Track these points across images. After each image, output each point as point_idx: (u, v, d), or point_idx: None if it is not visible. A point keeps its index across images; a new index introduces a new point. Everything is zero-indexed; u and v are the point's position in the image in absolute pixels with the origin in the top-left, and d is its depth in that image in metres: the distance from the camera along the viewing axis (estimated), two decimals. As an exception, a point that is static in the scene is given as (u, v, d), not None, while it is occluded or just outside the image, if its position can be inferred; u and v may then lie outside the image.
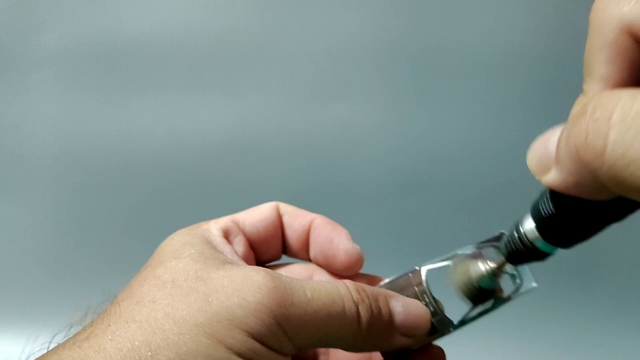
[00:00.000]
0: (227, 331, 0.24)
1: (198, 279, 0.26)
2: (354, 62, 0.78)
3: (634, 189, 0.17)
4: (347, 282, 0.28)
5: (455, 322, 0.30)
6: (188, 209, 0.77)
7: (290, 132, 0.78)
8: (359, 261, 0.32)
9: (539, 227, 0.24)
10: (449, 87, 0.77)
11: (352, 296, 0.27)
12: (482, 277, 0.28)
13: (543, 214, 0.23)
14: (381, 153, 0.78)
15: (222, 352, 0.23)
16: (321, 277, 0.33)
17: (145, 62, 0.78)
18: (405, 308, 0.29)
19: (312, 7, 0.77)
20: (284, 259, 0.35)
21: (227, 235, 0.31)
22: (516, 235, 0.25)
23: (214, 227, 0.31)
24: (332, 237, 0.32)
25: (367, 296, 0.28)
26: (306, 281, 0.27)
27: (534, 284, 0.29)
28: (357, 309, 0.27)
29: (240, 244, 0.32)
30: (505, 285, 0.30)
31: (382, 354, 0.31)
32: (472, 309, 0.29)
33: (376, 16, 0.77)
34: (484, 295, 0.29)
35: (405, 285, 0.30)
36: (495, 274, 0.28)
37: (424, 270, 0.30)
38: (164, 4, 0.78)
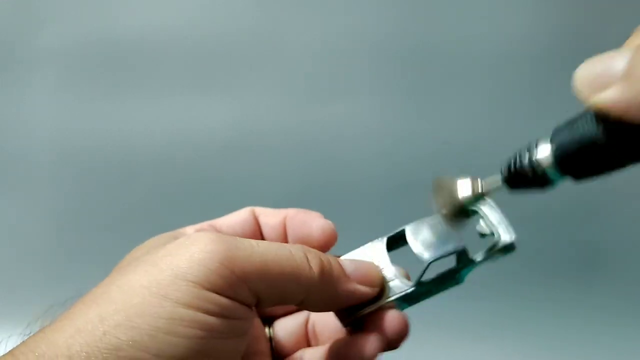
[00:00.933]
0: (174, 286, 0.24)
1: (148, 254, 0.26)
2: (354, 61, 0.78)
3: None
4: (300, 245, 0.29)
5: (414, 282, 0.29)
6: (188, 207, 0.77)
7: (289, 131, 0.78)
8: (332, 235, 0.32)
9: (558, 152, 0.23)
10: (448, 87, 0.77)
11: (300, 247, 0.28)
12: (469, 199, 0.27)
13: (571, 136, 0.22)
14: (381, 152, 0.78)
15: (168, 306, 0.24)
16: None
17: (145, 62, 0.78)
18: (353, 262, 0.30)
19: (311, 7, 0.77)
20: None
21: None
22: (526, 157, 0.24)
23: (190, 229, 0.32)
24: (304, 219, 0.33)
25: (314, 250, 0.28)
26: (258, 240, 0.27)
27: (512, 238, 0.27)
28: (306, 256, 0.27)
29: None
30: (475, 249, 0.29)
31: (340, 319, 0.31)
32: (427, 267, 0.28)
33: (375, 16, 0.77)
34: (462, 215, 0.27)
35: (363, 253, 0.31)
36: (482, 196, 0.27)
37: (384, 238, 0.31)
38: (164, 3, 0.78)
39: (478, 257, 0.29)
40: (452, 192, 0.27)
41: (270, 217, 0.34)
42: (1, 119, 0.80)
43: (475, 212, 0.28)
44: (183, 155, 0.79)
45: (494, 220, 0.28)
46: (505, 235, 0.28)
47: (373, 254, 0.31)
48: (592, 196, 0.75)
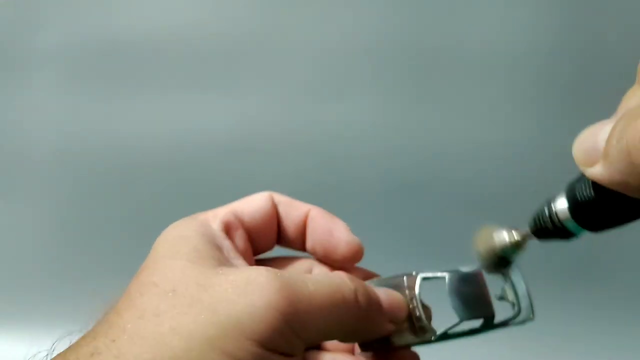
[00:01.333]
0: (236, 343, 0.23)
1: (199, 287, 0.25)
2: (354, 61, 0.78)
3: None
4: (341, 273, 0.28)
5: (439, 332, 0.30)
6: (188, 208, 0.77)
7: (289, 131, 0.78)
8: (359, 252, 0.32)
9: (572, 208, 0.24)
10: (449, 86, 0.77)
11: (348, 283, 0.27)
12: (504, 245, 0.28)
13: (579, 198, 0.24)
14: (381, 152, 0.78)
15: None
16: (321, 270, 0.33)
17: (145, 62, 0.78)
18: (387, 295, 0.30)
19: (311, 7, 0.77)
20: (281, 251, 0.35)
21: (227, 229, 0.31)
22: (547, 212, 0.25)
23: (214, 220, 0.31)
24: (331, 229, 0.32)
25: (359, 283, 0.28)
26: (305, 275, 0.27)
27: (532, 316, 0.30)
28: (356, 295, 0.27)
29: (241, 239, 0.31)
30: (502, 313, 0.30)
31: (362, 349, 0.31)
32: (458, 324, 0.30)
33: (376, 15, 0.77)
34: (501, 264, 0.29)
35: (397, 286, 0.31)
36: (517, 244, 0.28)
37: (419, 277, 0.31)
38: (165, 3, 0.78)
39: (499, 322, 0.31)
40: (491, 240, 0.29)
41: (291, 210, 0.33)
42: (1, 119, 0.80)
43: (511, 263, 0.30)
44: (183, 155, 0.79)
45: (519, 291, 0.31)
46: (529, 312, 0.30)
47: (406, 287, 0.31)
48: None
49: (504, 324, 0.30)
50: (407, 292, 0.31)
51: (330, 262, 0.33)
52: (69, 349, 0.24)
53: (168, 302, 0.24)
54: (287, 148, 0.77)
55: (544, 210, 0.26)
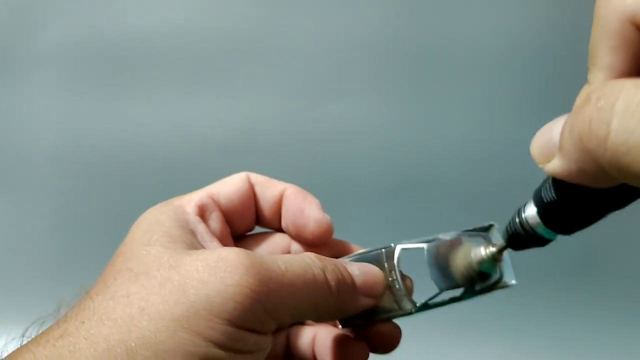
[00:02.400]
0: (206, 322, 0.23)
1: (171, 268, 0.25)
2: (353, 61, 0.78)
3: (635, 175, 0.17)
4: (310, 253, 0.28)
5: (419, 303, 0.30)
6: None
7: (289, 131, 0.78)
8: (328, 231, 0.32)
9: (540, 213, 0.24)
10: (448, 86, 0.77)
11: (318, 264, 0.27)
12: (482, 261, 0.28)
13: (545, 200, 0.24)
14: (380, 151, 0.78)
15: (202, 346, 0.23)
16: (296, 248, 0.33)
17: (145, 62, 0.78)
18: (361, 270, 0.29)
19: (311, 7, 0.77)
20: (261, 230, 0.35)
21: (202, 212, 0.31)
22: (517, 220, 0.25)
23: (189, 204, 0.31)
24: (302, 207, 0.32)
25: (330, 263, 0.28)
26: (276, 255, 0.27)
27: (514, 281, 0.29)
28: (324, 274, 0.27)
29: (216, 221, 0.31)
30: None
31: (342, 324, 0.31)
32: (438, 294, 0.29)
33: (375, 15, 0.77)
34: (482, 279, 0.29)
35: (376, 260, 0.31)
36: (495, 258, 0.28)
37: (398, 248, 0.31)
38: (164, 3, 0.78)
39: (478, 288, 0.30)
40: (468, 258, 0.29)
41: (267, 190, 0.33)
42: (1, 119, 0.80)
43: (491, 275, 0.29)
44: (183, 154, 0.79)
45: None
46: (510, 278, 0.30)
47: (385, 259, 0.31)
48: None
49: (486, 289, 0.30)
50: (385, 264, 0.30)
51: (302, 240, 0.33)
52: (42, 332, 0.25)
53: (139, 283, 0.25)
54: (286, 147, 0.77)
55: (515, 219, 0.26)
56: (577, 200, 0.22)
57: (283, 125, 0.78)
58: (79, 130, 0.80)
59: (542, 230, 0.24)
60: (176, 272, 0.25)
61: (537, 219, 0.24)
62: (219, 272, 0.24)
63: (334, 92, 0.78)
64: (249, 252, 0.26)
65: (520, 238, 0.26)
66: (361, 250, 0.32)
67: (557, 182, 0.23)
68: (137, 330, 0.23)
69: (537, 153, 0.21)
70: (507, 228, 0.26)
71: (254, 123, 0.78)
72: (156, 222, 0.28)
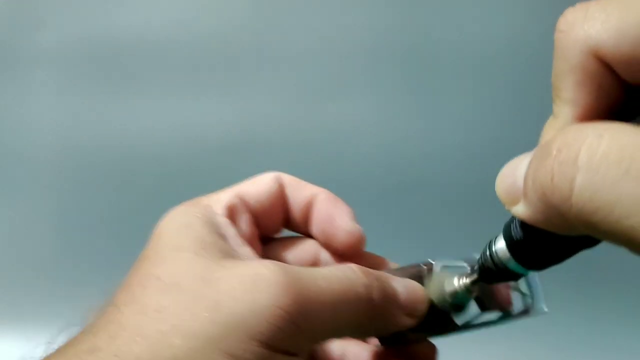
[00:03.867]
0: (240, 344, 0.22)
1: (204, 282, 0.24)
2: (353, 61, 0.78)
3: (604, 232, 0.16)
4: (353, 265, 0.27)
5: (460, 324, 0.29)
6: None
7: (288, 130, 0.78)
8: (360, 241, 0.30)
9: (510, 249, 0.23)
10: (447, 86, 0.77)
11: (362, 279, 0.26)
12: (454, 293, 0.28)
13: (514, 237, 0.23)
14: (379, 151, 0.78)
15: None
16: (326, 256, 0.32)
17: (145, 62, 0.78)
18: (405, 287, 0.28)
19: (310, 7, 0.77)
20: (288, 233, 0.34)
21: (232, 214, 0.29)
22: (488, 253, 0.24)
23: (217, 205, 0.29)
24: (333, 215, 0.31)
25: (375, 278, 0.26)
26: (315, 269, 0.26)
27: (545, 309, 0.29)
28: (369, 291, 0.26)
29: (246, 223, 0.30)
30: (519, 302, 0.30)
31: (382, 343, 0.30)
32: (478, 316, 0.29)
33: (375, 15, 0.77)
34: (456, 309, 0.28)
35: (415, 276, 0.29)
36: (468, 290, 0.28)
37: (438, 265, 0.29)
38: (164, 3, 0.78)
39: (514, 313, 0.30)
40: (441, 289, 0.28)
41: (297, 192, 0.32)
42: (1, 119, 0.80)
43: (467, 303, 0.29)
44: (183, 154, 0.79)
45: (532, 283, 0.29)
46: (542, 304, 0.29)
47: (424, 278, 0.30)
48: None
49: (521, 315, 0.29)
50: (425, 282, 0.29)
51: (331, 249, 0.31)
52: (68, 344, 0.24)
53: (171, 297, 0.24)
54: (286, 147, 0.77)
55: (486, 252, 0.25)
56: (546, 241, 0.21)
57: (283, 125, 0.78)
58: (78, 129, 0.80)
59: (513, 265, 0.24)
60: (209, 287, 0.24)
61: (508, 254, 0.23)
62: (255, 292, 0.23)
63: (333, 92, 0.78)
64: (286, 267, 0.24)
65: (491, 272, 0.25)
66: (396, 267, 0.31)
67: (525, 223, 0.22)
68: (169, 349, 0.22)
69: (503, 194, 0.20)
70: (478, 261, 0.26)
71: (254, 123, 0.78)
72: (186, 224, 0.27)
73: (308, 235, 0.32)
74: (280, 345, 0.23)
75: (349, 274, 0.26)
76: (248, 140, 0.78)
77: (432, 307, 0.29)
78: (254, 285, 0.23)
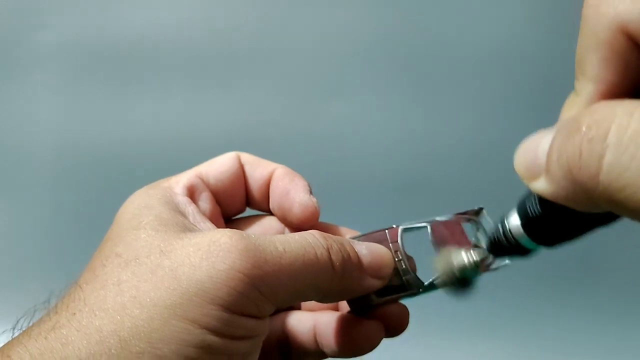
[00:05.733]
0: (200, 309, 0.22)
1: (162, 254, 0.24)
2: (353, 60, 0.78)
3: (630, 210, 0.16)
4: (313, 231, 0.27)
5: (426, 283, 0.30)
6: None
7: (288, 130, 0.78)
8: (314, 214, 0.31)
9: (524, 224, 0.23)
10: (448, 86, 0.77)
11: (321, 243, 0.26)
12: (464, 268, 0.28)
13: (530, 213, 0.23)
14: (379, 151, 0.78)
15: (197, 333, 0.22)
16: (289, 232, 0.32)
17: (145, 61, 0.78)
18: (369, 250, 0.29)
19: (311, 7, 0.77)
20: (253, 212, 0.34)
21: (192, 192, 0.30)
22: (501, 229, 0.25)
23: (177, 185, 0.30)
24: (288, 189, 0.31)
25: (335, 241, 0.27)
26: (274, 235, 0.26)
27: (507, 261, 0.29)
28: (329, 253, 0.26)
29: (206, 201, 0.30)
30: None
31: (350, 306, 0.31)
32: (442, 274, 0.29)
33: (375, 15, 0.77)
34: (464, 284, 0.29)
35: (380, 240, 0.30)
36: (477, 265, 0.28)
37: (400, 228, 0.30)
38: (164, 3, 0.78)
39: (480, 268, 0.30)
40: (450, 263, 0.29)
41: (255, 170, 0.32)
42: (1, 119, 0.80)
43: (472, 282, 0.29)
44: (182, 154, 0.79)
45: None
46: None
47: (389, 240, 0.31)
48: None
49: (486, 268, 0.29)
50: (390, 245, 0.30)
51: (288, 223, 0.32)
52: (33, 325, 0.24)
53: (130, 271, 0.24)
54: (285, 147, 0.77)
55: (499, 228, 0.25)
56: (564, 218, 0.22)
57: (283, 125, 0.78)
58: (78, 129, 0.80)
59: (525, 241, 0.24)
60: (167, 257, 0.24)
61: (521, 230, 0.24)
62: (211, 257, 0.23)
63: (334, 92, 0.78)
64: (243, 233, 0.25)
65: (503, 247, 0.25)
66: (360, 234, 0.31)
67: (543, 199, 0.22)
68: (129, 319, 0.22)
69: (522, 170, 0.20)
70: (490, 236, 0.26)
71: (254, 122, 0.78)
72: (145, 205, 0.27)
73: (268, 212, 0.33)
74: (242, 308, 0.23)
75: (309, 238, 0.26)
76: (249, 139, 0.78)
77: (396, 270, 0.29)
78: (210, 252, 0.23)
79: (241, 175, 0.32)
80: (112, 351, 0.22)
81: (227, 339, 0.23)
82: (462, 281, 0.29)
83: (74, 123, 0.80)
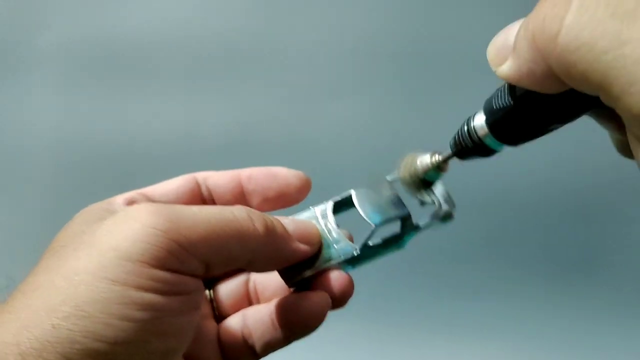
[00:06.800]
0: (122, 268, 0.23)
1: (83, 233, 0.25)
2: (352, 61, 0.78)
3: (580, 75, 0.17)
4: (239, 205, 0.28)
5: (360, 245, 0.30)
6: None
7: (287, 131, 0.78)
8: (309, 181, 0.32)
9: (489, 121, 0.24)
10: (447, 86, 0.77)
11: (241, 209, 0.27)
12: (427, 168, 0.29)
13: (494, 106, 0.23)
14: (379, 151, 0.78)
15: (118, 290, 0.23)
16: None
17: (145, 62, 0.78)
18: (292, 220, 0.30)
19: (310, 7, 0.77)
20: None
21: (130, 203, 0.30)
22: (465, 129, 0.25)
23: (118, 200, 0.31)
24: (273, 174, 0.32)
25: (259, 213, 0.28)
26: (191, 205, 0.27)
27: (453, 211, 0.30)
28: (249, 216, 0.27)
29: None
30: (421, 216, 0.31)
31: (285, 279, 0.31)
32: (374, 231, 0.30)
33: (374, 16, 0.77)
34: (424, 186, 0.30)
35: (309, 217, 0.31)
36: (439, 167, 0.29)
37: (329, 202, 0.31)
38: (164, 3, 0.78)
39: (420, 223, 0.31)
40: (414, 164, 0.29)
41: (219, 179, 0.33)
42: (1, 119, 0.80)
43: (432, 184, 0.30)
44: (182, 154, 0.79)
45: (438, 192, 0.31)
46: (446, 206, 0.30)
47: (319, 216, 0.32)
48: (590, 197, 0.75)
49: (429, 224, 0.30)
50: (320, 219, 0.31)
51: (284, 202, 0.32)
52: None
53: (57, 255, 0.25)
54: (285, 147, 0.77)
55: (463, 128, 0.26)
56: (527, 107, 0.22)
57: (283, 125, 0.78)
58: (78, 129, 0.80)
59: (489, 140, 0.24)
60: (88, 234, 0.25)
61: (485, 129, 0.24)
62: (127, 222, 0.24)
63: (333, 92, 0.78)
64: (158, 203, 0.26)
65: (467, 147, 0.26)
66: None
67: (510, 87, 0.23)
68: (57, 293, 0.23)
69: (493, 55, 0.21)
70: (454, 137, 0.27)
71: (254, 123, 0.78)
72: (90, 219, 0.28)
73: None
74: (163, 262, 0.24)
75: (230, 207, 0.27)
76: (248, 140, 0.78)
77: (327, 241, 0.30)
78: (125, 218, 0.24)
79: (196, 192, 0.32)
80: (38, 320, 0.22)
81: (153, 293, 0.23)
82: (424, 182, 0.29)
83: (74, 123, 0.80)
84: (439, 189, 0.30)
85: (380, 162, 0.82)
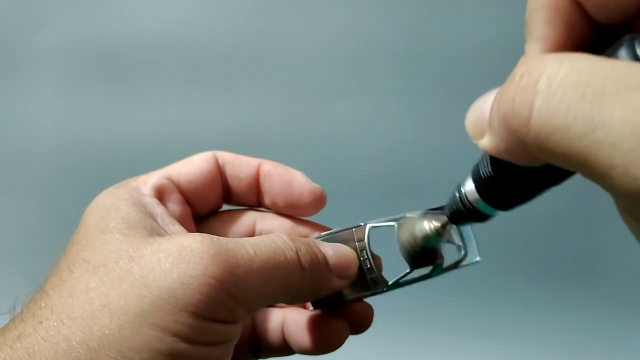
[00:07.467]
0: (171, 316, 0.22)
1: (131, 259, 0.24)
2: (353, 62, 0.78)
3: (559, 157, 0.16)
4: (281, 233, 0.27)
5: (390, 282, 0.30)
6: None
7: (288, 131, 0.78)
8: (323, 199, 0.31)
9: (478, 189, 0.24)
10: (447, 87, 0.77)
11: (290, 245, 0.26)
12: (426, 236, 0.28)
13: (482, 175, 0.23)
14: (378, 152, 0.78)
15: (169, 341, 0.22)
16: (266, 223, 0.32)
17: (145, 62, 0.78)
18: (334, 251, 0.29)
19: (311, 8, 0.77)
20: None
21: (160, 193, 0.29)
22: (457, 195, 0.25)
23: (145, 186, 0.29)
24: (289, 180, 0.31)
25: (302, 244, 0.27)
26: (244, 239, 0.26)
27: (478, 258, 0.29)
28: (298, 256, 0.26)
29: (175, 203, 0.30)
30: (451, 256, 0.30)
31: (314, 306, 0.31)
32: (409, 272, 0.29)
33: (374, 16, 0.77)
34: (427, 254, 0.29)
35: (347, 239, 0.31)
36: (439, 233, 0.28)
37: (367, 227, 0.30)
38: (164, 3, 0.78)
39: (448, 264, 0.30)
40: (413, 233, 0.29)
41: (239, 167, 0.32)
42: (1, 119, 0.80)
43: (436, 252, 0.29)
44: (182, 154, 0.79)
45: (465, 234, 0.30)
46: (474, 255, 0.30)
47: (356, 240, 0.31)
48: (588, 200, 0.75)
49: (453, 266, 0.30)
50: (356, 244, 0.30)
51: (293, 212, 0.32)
52: None
53: (98, 278, 0.23)
54: (285, 147, 0.77)
55: (455, 194, 0.25)
56: (513, 177, 0.22)
57: (283, 125, 0.78)
58: (78, 129, 0.80)
59: (481, 206, 0.24)
60: (136, 264, 0.23)
61: (476, 195, 0.24)
62: (182, 263, 0.23)
63: (333, 93, 0.78)
64: (214, 238, 0.24)
65: (461, 213, 0.25)
66: (330, 230, 0.32)
67: (493, 158, 0.22)
68: (98, 328, 0.22)
69: (470, 128, 0.21)
70: (448, 203, 0.26)
71: (254, 123, 0.78)
72: (112, 207, 0.27)
73: (254, 206, 0.33)
74: (215, 314, 0.23)
75: (277, 241, 0.26)
76: (248, 140, 0.78)
77: (361, 268, 0.30)
78: (181, 257, 0.23)
79: (216, 176, 0.32)
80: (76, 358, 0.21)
81: (199, 345, 0.23)
82: (425, 250, 0.29)
83: (73, 122, 0.80)
84: (466, 230, 0.30)
85: (380, 162, 0.83)
